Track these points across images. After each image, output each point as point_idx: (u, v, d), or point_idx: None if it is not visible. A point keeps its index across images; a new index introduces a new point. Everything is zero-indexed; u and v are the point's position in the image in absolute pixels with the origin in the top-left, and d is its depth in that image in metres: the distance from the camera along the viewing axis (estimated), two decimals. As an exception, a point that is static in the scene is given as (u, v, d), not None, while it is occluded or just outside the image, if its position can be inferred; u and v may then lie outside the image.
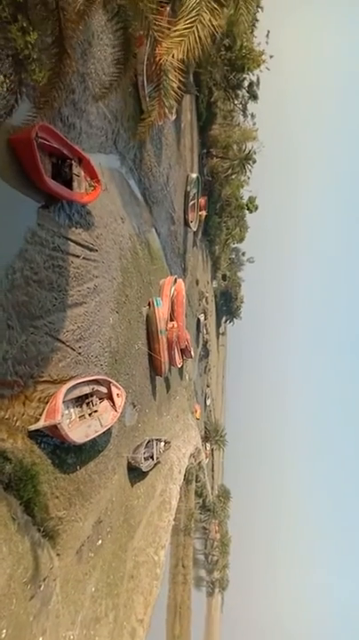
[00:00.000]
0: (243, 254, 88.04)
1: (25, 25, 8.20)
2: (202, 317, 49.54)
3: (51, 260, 12.14)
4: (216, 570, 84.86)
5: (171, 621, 59.52)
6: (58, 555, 12.41)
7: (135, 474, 20.11)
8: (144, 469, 20.62)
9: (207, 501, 68.61)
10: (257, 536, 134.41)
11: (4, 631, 9.39)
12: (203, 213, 40.75)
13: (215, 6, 7.03)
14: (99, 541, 15.60)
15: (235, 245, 76.20)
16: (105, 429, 15.36)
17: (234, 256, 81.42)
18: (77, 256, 13.74)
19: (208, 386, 64.32)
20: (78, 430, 13.50)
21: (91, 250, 14.74)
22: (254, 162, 44.10)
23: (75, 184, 13.26)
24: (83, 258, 14.11)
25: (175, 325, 26.68)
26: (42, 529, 11.47)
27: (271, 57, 36.52)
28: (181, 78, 9.92)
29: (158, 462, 23.63)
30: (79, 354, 13.96)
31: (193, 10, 6.88)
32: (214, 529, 78.52)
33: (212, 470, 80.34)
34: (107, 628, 15.47)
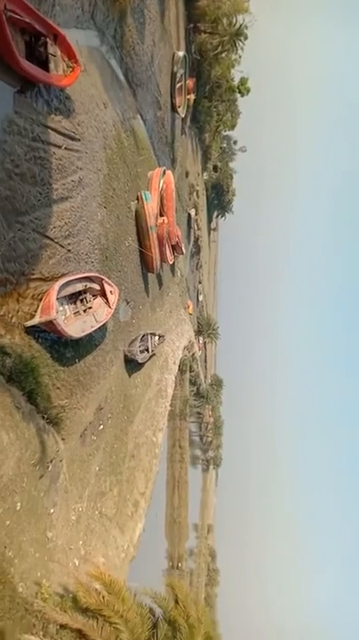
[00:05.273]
0: (235, 143, 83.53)
1: None
2: (192, 212, 48.26)
3: (31, 151, 11.47)
4: (210, 449, 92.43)
5: (171, 494, 66.26)
6: (62, 439, 13.36)
7: (132, 365, 21.01)
8: (140, 361, 21.52)
9: (201, 389, 72.73)
10: (248, 418, 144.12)
11: (19, 504, 10.42)
12: (192, 97, 37.91)
13: None
14: (101, 426, 16.72)
15: (227, 133, 72.02)
16: (100, 325, 15.73)
17: (225, 145, 77.29)
18: (59, 146, 12.97)
19: (200, 282, 64.76)
20: (74, 326, 13.81)
21: (73, 139, 13.89)
22: (246, 38, 40.12)
23: (51, 65, 12.08)
24: (66, 148, 13.35)
25: (165, 221, 26.08)
26: (46, 416, 12.21)
27: None
28: None
29: (153, 354, 24.58)
30: (69, 251, 13.81)
31: None
32: (208, 413, 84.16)
33: (205, 362, 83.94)
34: (112, 501, 17.18)
